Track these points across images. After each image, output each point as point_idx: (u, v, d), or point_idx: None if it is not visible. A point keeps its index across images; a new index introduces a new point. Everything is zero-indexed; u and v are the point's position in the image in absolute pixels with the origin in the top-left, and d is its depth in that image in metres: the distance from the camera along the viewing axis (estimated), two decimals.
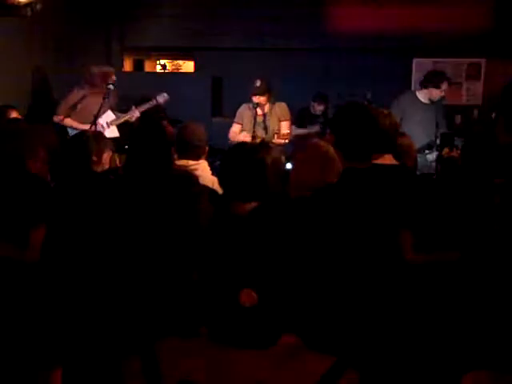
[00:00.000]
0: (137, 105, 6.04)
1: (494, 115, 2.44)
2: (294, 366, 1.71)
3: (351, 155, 2.60)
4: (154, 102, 6.02)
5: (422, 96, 5.75)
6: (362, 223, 2.38)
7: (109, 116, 6.00)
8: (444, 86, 5.65)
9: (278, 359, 1.71)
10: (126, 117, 5.99)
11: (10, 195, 1.93)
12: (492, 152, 2.46)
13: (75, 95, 6.13)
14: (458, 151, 5.03)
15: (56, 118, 6.14)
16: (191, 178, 3.06)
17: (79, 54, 7.46)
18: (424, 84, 5.73)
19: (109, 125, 5.94)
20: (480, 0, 7.45)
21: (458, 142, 5.29)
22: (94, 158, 3.43)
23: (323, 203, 2.38)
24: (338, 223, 2.33)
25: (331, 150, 2.77)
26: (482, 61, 7.81)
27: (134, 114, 5.98)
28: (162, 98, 6.05)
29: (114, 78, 6.11)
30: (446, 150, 5.27)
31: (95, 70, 6.16)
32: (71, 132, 5.95)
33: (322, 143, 3.02)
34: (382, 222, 2.25)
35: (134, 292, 1.85)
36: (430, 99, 5.71)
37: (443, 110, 5.84)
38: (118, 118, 6.03)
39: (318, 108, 7.38)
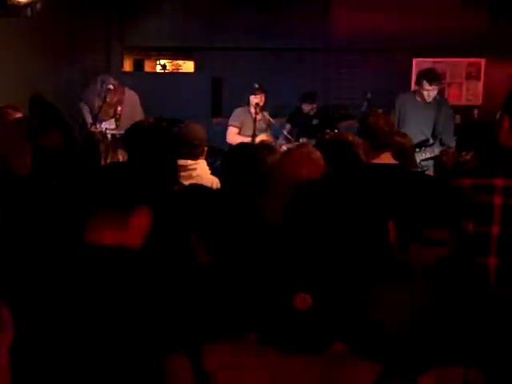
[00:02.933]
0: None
1: (498, 115, 2.45)
2: (338, 374, 1.70)
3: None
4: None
5: (418, 95, 5.76)
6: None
7: (111, 123, 5.99)
8: (430, 85, 5.63)
9: (322, 366, 1.70)
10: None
11: (108, 180, 1.90)
12: (495, 153, 2.46)
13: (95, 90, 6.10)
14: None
15: (83, 105, 6.12)
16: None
17: (79, 54, 7.47)
18: (416, 83, 5.81)
19: (107, 130, 5.89)
20: (480, 0, 7.46)
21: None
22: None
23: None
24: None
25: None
26: (482, 61, 7.82)
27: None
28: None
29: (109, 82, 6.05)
30: (463, 153, 5.29)
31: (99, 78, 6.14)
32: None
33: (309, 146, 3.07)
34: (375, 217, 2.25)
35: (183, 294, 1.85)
36: (423, 98, 5.72)
37: (447, 113, 5.85)
38: (117, 128, 6.00)
39: (307, 108, 7.32)
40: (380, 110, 3.37)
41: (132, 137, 3.35)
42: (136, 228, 1.87)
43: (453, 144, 5.28)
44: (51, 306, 1.75)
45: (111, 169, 1.95)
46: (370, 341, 1.82)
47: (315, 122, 7.21)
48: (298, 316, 1.68)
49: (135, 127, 3.39)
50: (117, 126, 6.04)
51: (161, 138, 3.22)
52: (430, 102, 5.72)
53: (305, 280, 1.70)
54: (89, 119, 6.08)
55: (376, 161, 3.37)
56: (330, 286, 1.72)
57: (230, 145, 5.79)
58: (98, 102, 5.85)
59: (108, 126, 5.95)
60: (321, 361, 1.67)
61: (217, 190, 3.12)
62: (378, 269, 2.04)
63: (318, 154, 2.73)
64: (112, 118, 5.97)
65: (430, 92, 5.65)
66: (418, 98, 5.74)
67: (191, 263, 2.11)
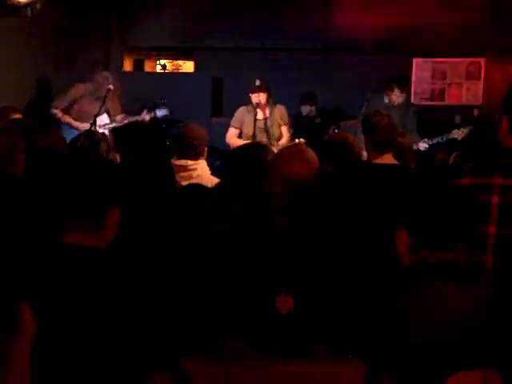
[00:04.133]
0: (149, 109, 6.05)
1: (498, 116, 2.46)
2: (321, 377, 1.68)
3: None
4: (152, 114, 6.03)
5: (388, 98, 6.27)
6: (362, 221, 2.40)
7: (103, 119, 6.00)
8: (400, 91, 6.22)
9: (306, 369, 1.69)
10: (124, 121, 5.96)
11: (83, 179, 1.91)
12: (493, 152, 2.46)
13: (76, 91, 6.14)
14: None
15: (55, 111, 6.13)
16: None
17: (79, 54, 7.47)
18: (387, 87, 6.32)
19: (101, 128, 5.90)
20: (480, 0, 7.46)
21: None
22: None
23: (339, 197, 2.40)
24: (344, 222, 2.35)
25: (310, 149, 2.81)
26: (482, 61, 7.81)
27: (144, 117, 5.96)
28: (161, 112, 6.07)
29: (111, 81, 6.12)
30: (454, 153, 5.36)
31: (100, 74, 6.19)
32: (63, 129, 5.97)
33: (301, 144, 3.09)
34: (379, 219, 2.25)
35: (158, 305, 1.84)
36: (392, 101, 6.22)
37: (412, 114, 6.30)
38: (112, 122, 6.04)
39: (306, 110, 7.30)
40: (383, 111, 3.38)
41: (123, 137, 3.35)
42: (108, 228, 1.89)
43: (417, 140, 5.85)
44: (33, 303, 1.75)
45: (84, 170, 1.96)
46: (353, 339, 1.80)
47: (318, 120, 7.19)
48: (279, 318, 1.65)
49: (126, 128, 3.40)
50: (111, 120, 6.07)
51: (150, 139, 3.21)
52: (398, 104, 6.19)
53: (287, 281, 1.67)
54: (74, 123, 6.07)
55: (378, 161, 3.37)
56: (314, 288, 1.70)
57: (229, 146, 5.80)
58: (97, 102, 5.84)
59: (102, 122, 5.96)
60: (304, 364, 1.65)
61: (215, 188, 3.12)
62: (383, 270, 2.03)
63: (310, 154, 2.72)
64: (103, 113, 5.99)
65: (398, 98, 6.20)
66: (387, 100, 6.23)
67: (176, 263, 2.11)
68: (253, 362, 1.67)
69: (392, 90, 6.18)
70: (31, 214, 2.68)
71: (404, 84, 6.26)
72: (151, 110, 6.04)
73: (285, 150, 2.90)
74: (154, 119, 6.07)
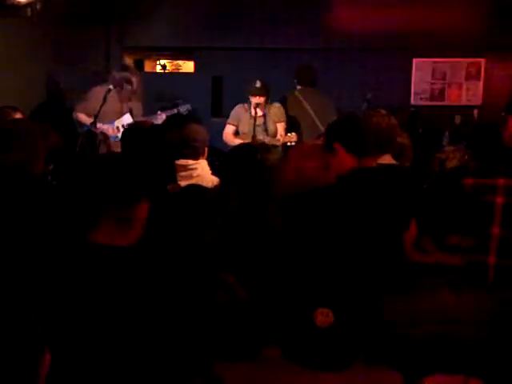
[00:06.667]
0: (162, 109, 6.08)
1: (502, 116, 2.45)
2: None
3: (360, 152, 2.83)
4: (175, 111, 6.09)
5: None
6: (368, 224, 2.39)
7: (127, 119, 5.97)
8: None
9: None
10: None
11: (111, 175, 1.88)
12: (496, 153, 2.45)
13: (95, 94, 6.05)
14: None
15: (79, 116, 6.08)
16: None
17: (79, 53, 7.46)
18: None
19: (124, 127, 5.85)
20: (480, 0, 7.46)
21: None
22: None
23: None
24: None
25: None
26: (482, 61, 7.81)
27: (160, 118, 5.98)
28: (184, 108, 6.13)
29: (133, 80, 6.10)
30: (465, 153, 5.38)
31: (117, 74, 6.17)
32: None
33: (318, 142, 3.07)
34: (386, 222, 2.24)
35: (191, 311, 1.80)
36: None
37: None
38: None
39: None
40: (383, 111, 3.36)
41: (129, 137, 3.38)
42: (138, 221, 1.86)
43: None
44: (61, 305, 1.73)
45: (105, 166, 1.94)
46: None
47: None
48: (319, 333, 1.61)
49: (132, 129, 3.43)
50: (134, 120, 6.05)
51: (155, 141, 3.24)
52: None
53: (326, 295, 1.63)
54: (101, 126, 6.03)
55: (378, 161, 3.36)
56: (353, 301, 1.66)
57: (226, 144, 5.82)
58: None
59: (125, 122, 5.93)
60: (342, 375, 1.62)
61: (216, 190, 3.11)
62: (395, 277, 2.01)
63: (319, 149, 2.73)
64: (127, 113, 5.99)
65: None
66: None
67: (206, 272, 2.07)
68: (288, 372, 1.65)
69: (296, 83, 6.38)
70: (53, 214, 2.66)
71: (303, 74, 6.44)
72: (173, 107, 6.13)
73: (300, 145, 2.92)
74: (178, 115, 6.14)
